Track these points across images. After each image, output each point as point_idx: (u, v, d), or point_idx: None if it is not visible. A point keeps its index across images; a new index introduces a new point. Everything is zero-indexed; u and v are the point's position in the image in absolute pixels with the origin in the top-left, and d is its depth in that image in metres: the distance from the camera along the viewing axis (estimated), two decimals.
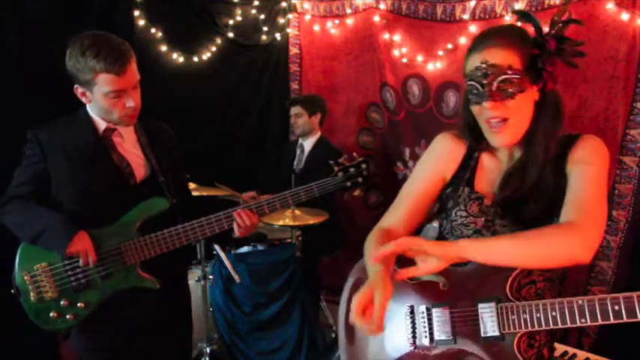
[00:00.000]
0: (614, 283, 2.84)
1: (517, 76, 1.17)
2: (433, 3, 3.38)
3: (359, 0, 3.75)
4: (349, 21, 3.84)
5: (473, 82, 1.20)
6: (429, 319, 1.27)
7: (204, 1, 3.69)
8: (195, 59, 3.66)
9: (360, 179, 1.84)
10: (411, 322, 1.30)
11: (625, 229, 2.79)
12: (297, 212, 3.03)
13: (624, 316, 0.99)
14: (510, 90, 1.17)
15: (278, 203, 1.76)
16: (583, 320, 1.04)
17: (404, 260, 1.22)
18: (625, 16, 2.67)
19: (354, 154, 1.90)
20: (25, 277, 1.66)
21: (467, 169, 1.35)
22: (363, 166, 1.84)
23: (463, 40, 3.26)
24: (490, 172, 1.33)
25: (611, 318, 1.01)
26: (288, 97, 4.07)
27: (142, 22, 3.32)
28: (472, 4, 3.19)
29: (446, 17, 3.35)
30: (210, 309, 3.01)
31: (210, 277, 3.00)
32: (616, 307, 1.00)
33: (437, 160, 1.39)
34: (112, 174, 1.69)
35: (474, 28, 3.21)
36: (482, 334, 1.18)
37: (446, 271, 1.23)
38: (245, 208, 1.73)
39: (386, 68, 3.68)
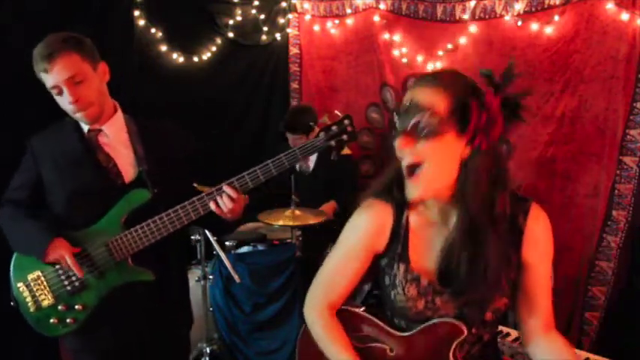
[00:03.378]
0: (614, 283, 2.84)
1: (436, 119, 1.07)
2: (433, 3, 3.38)
3: (359, 0, 3.75)
4: (349, 21, 3.84)
5: (395, 120, 1.13)
6: None
7: (204, 1, 3.69)
8: (195, 59, 3.66)
9: (344, 136, 1.69)
10: None
11: (625, 229, 2.79)
12: (297, 212, 3.03)
13: None
14: (425, 131, 1.08)
15: (260, 172, 1.66)
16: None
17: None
18: (625, 16, 2.67)
19: (336, 111, 1.77)
20: (21, 288, 1.67)
21: (398, 241, 1.24)
22: (346, 122, 1.68)
23: (463, 40, 3.26)
24: (425, 239, 1.23)
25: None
26: (289, 98, 4.07)
27: (142, 22, 3.32)
28: (472, 4, 3.19)
29: (446, 17, 3.35)
30: (210, 309, 3.01)
31: (210, 277, 3.00)
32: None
33: (364, 240, 1.27)
34: (97, 175, 1.67)
35: (473, 28, 3.21)
36: None
37: (391, 336, 1.26)
38: (227, 183, 1.65)
39: (386, 68, 3.68)
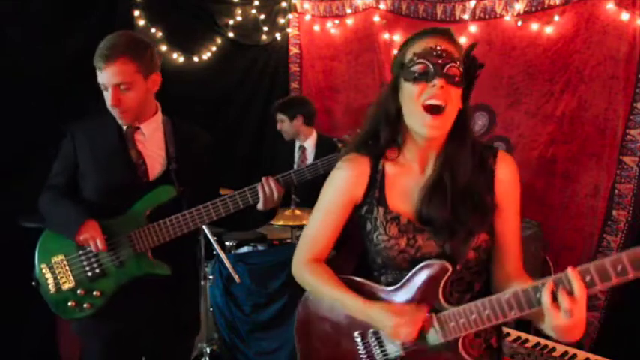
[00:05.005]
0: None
1: (461, 70, 1.21)
2: (433, 3, 3.38)
3: (359, 0, 3.75)
4: (349, 21, 3.84)
5: (424, 61, 1.20)
6: (380, 342, 1.31)
7: (204, 1, 3.69)
8: (195, 59, 3.66)
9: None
10: (364, 347, 1.32)
11: (625, 229, 2.79)
12: (297, 212, 3.03)
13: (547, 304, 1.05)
14: (457, 79, 1.20)
15: (281, 180, 1.74)
16: (513, 312, 1.12)
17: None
18: (625, 16, 2.67)
19: (359, 129, 1.85)
20: (44, 269, 1.73)
21: (376, 187, 1.32)
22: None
23: (463, 40, 3.26)
24: (401, 186, 1.31)
25: (535, 305, 1.08)
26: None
27: (142, 22, 3.32)
28: (472, 4, 3.19)
29: (446, 17, 3.35)
30: (211, 309, 3.01)
31: (210, 277, 3.00)
32: (537, 295, 1.07)
33: (343, 190, 1.35)
34: (125, 169, 1.74)
35: (474, 28, 3.21)
36: (430, 344, 1.23)
37: (383, 292, 1.30)
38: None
39: (386, 68, 3.68)
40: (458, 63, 1.20)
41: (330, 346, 1.38)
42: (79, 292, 1.71)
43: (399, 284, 1.27)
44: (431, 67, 1.19)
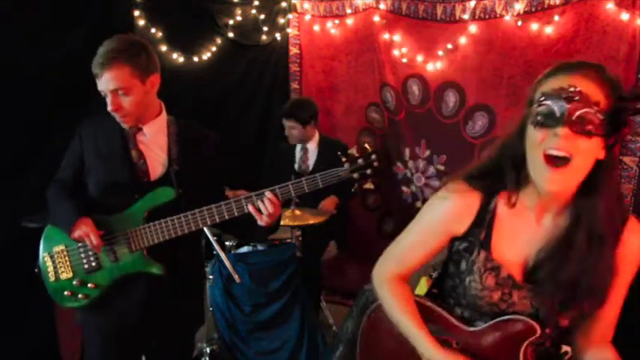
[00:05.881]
0: None
1: (601, 117, 1.01)
2: (433, 3, 3.38)
3: (359, 0, 3.75)
4: (349, 21, 3.84)
5: (549, 103, 1.03)
6: None
7: (204, 1, 3.68)
8: (195, 59, 3.66)
9: (368, 171, 1.70)
10: None
11: None
12: (297, 212, 3.03)
13: None
14: (589, 127, 1.00)
15: (279, 192, 1.72)
16: None
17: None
18: (625, 16, 2.67)
19: (366, 145, 1.77)
20: (45, 258, 1.80)
21: (482, 226, 1.20)
22: (373, 157, 1.70)
23: (463, 40, 3.26)
24: (511, 233, 1.18)
25: None
26: (289, 98, 4.07)
27: (142, 22, 3.32)
28: (472, 4, 3.19)
29: (446, 17, 3.35)
30: (210, 309, 3.01)
31: (210, 277, 3.00)
32: None
33: (444, 222, 1.25)
34: (126, 169, 1.77)
35: (474, 28, 3.21)
36: None
37: (458, 329, 1.23)
38: (270, 190, 1.71)
39: (386, 68, 3.68)
40: (595, 109, 1.01)
41: (392, 356, 1.32)
42: (74, 282, 1.77)
43: (481, 328, 1.20)
44: (556, 111, 1.02)
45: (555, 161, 1.03)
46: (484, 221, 1.20)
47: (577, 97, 1.01)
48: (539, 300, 1.15)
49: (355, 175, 1.71)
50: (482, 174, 1.22)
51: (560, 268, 1.10)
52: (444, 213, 1.25)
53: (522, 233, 1.18)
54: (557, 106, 1.02)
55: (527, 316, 1.15)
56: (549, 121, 1.03)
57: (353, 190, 1.74)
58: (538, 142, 1.05)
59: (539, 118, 1.04)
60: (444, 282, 1.33)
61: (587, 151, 1.03)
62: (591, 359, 1.19)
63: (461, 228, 1.23)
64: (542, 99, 1.05)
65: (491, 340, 1.17)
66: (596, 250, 1.09)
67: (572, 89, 1.01)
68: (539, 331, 1.13)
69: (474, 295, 1.19)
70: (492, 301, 1.17)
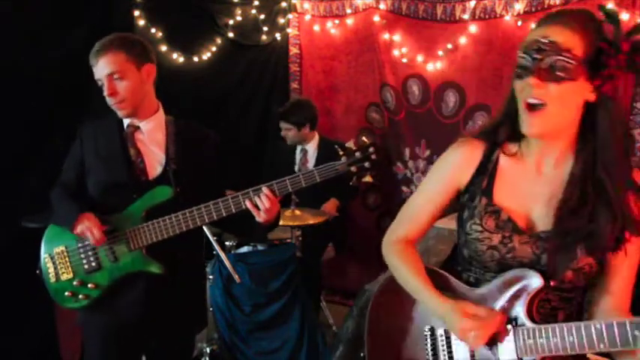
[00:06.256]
0: None
1: (572, 62, 1.04)
2: (433, 3, 3.38)
3: (359, 0, 3.75)
4: (349, 21, 3.84)
5: (525, 55, 1.08)
6: (448, 343, 1.24)
7: (204, 1, 3.68)
8: (195, 59, 3.66)
9: (366, 164, 1.68)
10: (431, 345, 1.26)
11: None
12: (297, 212, 3.03)
13: None
14: (559, 74, 1.04)
15: (276, 187, 1.70)
16: (602, 346, 1.00)
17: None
18: (625, 16, 2.67)
19: (363, 137, 1.74)
20: (46, 259, 1.82)
21: (484, 175, 1.24)
22: (371, 149, 1.68)
23: (463, 40, 3.26)
24: (512, 182, 1.21)
25: (632, 344, 0.96)
26: (289, 98, 4.07)
27: (142, 22, 3.32)
28: (472, 4, 3.20)
29: (446, 17, 3.35)
30: (210, 309, 3.01)
31: (210, 277, 3.00)
32: (636, 332, 0.95)
33: (450, 172, 1.29)
34: (124, 168, 1.77)
35: (473, 28, 3.21)
36: (501, 359, 1.14)
37: (467, 293, 1.23)
38: (267, 186, 1.69)
39: (386, 68, 3.68)
40: (567, 55, 1.04)
41: (400, 333, 1.32)
42: (75, 283, 1.78)
43: (484, 287, 1.20)
44: (529, 62, 1.07)
45: (533, 106, 1.08)
46: (486, 170, 1.24)
47: (546, 47, 1.05)
48: (540, 246, 1.15)
49: (353, 169, 1.69)
50: (487, 127, 1.27)
51: (564, 214, 1.11)
52: (449, 165, 1.30)
53: (523, 182, 1.20)
54: (529, 58, 1.07)
55: (529, 263, 1.15)
56: (523, 72, 1.09)
57: (351, 183, 1.71)
58: (518, 93, 1.11)
59: (517, 70, 1.11)
60: (454, 252, 1.36)
61: (563, 96, 1.06)
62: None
63: (464, 178, 1.27)
64: (520, 53, 1.10)
65: (494, 297, 1.17)
66: (601, 193, 1.09)
67: (543, 40, 1.06)
68: (542, 282, 1.11)
69: (475, 238, 1.21)
70: (492, 244, 1.19)
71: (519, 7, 3.03)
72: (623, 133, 1.11)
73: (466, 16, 3.23)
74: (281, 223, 2.89)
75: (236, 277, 2.71)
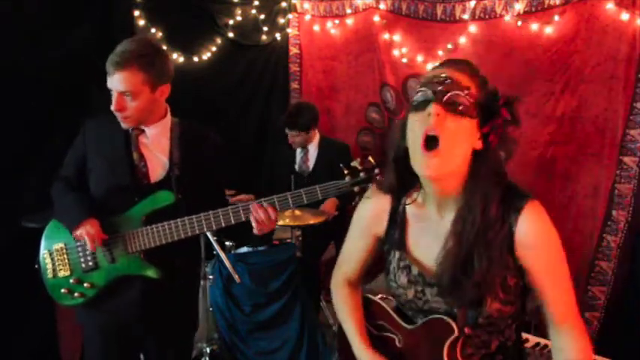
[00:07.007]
0: (614, 283, 2.84)
1: (471, 100, 1.07)
2: (433, 3, 3.38)
3: (359, 0, 3.75)
4: (349, 21, 3.84)
5: (424, 89, 1.09)
6: None
7: (204, 1, 3.69)
8: (195, 59, 3.66)
9: (370, 185, 1.65)
10: None
11: (625, 229, 2.79)
12: (297, 212, 3.03)
13: None
14: (460, 108, 1.06)
15: (277, 203, 1.70)
16: None
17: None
18: (625, 16, 2.67)
19: (370, 158, 1.72)
20: (45, 255, 1.82)
21: (395, 227, 1.26)
22: (376, 171, 1.66)
23: (463, 40, 3.26)
24: (420, 231, 1.23)
25: None
26: (289, 98, 4.07)
27: (142, 22, 3.32)
28: (472, 4, 3.19)
29: (446, 17, 3.35)
30: (210, 309, 3.01)
31: (210, 277, 3.00)
32: None
33: (365, 226, 1.34)
34: (126, 170, 1.76)
35: (473, 28, 3.21)
36: None
37: (399, 327, 1.28)
38: (266, 200, 1.69)
39: (386, 68, 3.68)
40: (465, 92, 1.07)
41: None
42: (71, 281, 1.78)
43: (414, 327, 1.25)
44: (429, 94, 1.08)
45: (429, 144, 1.06)
46: (396, 222, 1.27)
47: (448, 81, 1.08)
48: (445, 299, 1.17)
49: (356, 189, 1.67)
50: (388, 179, 1.25)
51: (450, 264, 1.13)
52: (363, 215, 1.35)
53: (429, 230, 1.21)
54: (429, 90, 1.09)
55: (444, 312, 1.18)
56: (423, 103, 1.09)
57: (353, 203, 1.69)
58: (416, 127, 1.09)
59: (415, 104, 1.11)
60: None
61: (458, 132, 1.07)
62: (553, 343, 1.22)
63: (380, 229, 1.31)
64: (418, 89, 1.12)
65: (422, 339, 1.22)
66: (481, 239, 1.10)
67: (443, 75, 1.10)
68: (455, 330, 1.14)
69: (394, 293, 1.27)
70: (409, 299, 1.23)
71: (519, 7, 3.03)
72: (499, 183, 1.13)
73: (466, 16, 3.23)
74: (281, 223, 2.91)
75: (236, 277, 2.71)
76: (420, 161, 1.09)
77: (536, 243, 1.13)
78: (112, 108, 1.69)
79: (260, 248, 3.13)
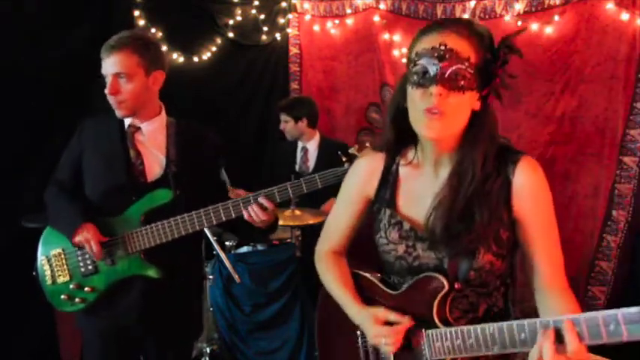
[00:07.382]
0: (614, 283, 2.84)
1: (471, 71, 1.06)
2: (433, 3, 3.38)
3: (359, 0, 3.75)
4: (349, 21, 3.84)
5: (423, 63, 1.07)
6: (376, 347, 1.27)
7: (204, 1, 3.69)
8: (195, 59, 3.66)
9: None
10: (363, 348, 1.31)
11: (625, 229, 2.79)
12: (297, 212, 3.03)
13: (529, 344, 0.97)
14: (462, 83, 1.06)
15: (277, 193, 1.69)
16: (495, 348, 1.02)
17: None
18: (625, 16, 2.67)
19: (367, 144, 1.73)
20: (43, 261, 1.80)
21: (386, 186, 1.27)
22: None
23: None
24: (413, 190, 1.24)
25: (518, 346, 0.99)
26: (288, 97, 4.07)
27: (142, 22, 3.32)
28: (472, 4, 3.20)
29: (446, 17, 3.35)
30: (211, 309, 3.01)
31: (210, 277, 3.00)
32: (522, 336, 0.98)
33: (356, 185, 1.34)
34: (123, 169, 1.75)
35: None
36: None
37: (387, 295, 1.27)
38: (264, 193, 1.69)
39: (386, 68, 3.68)
40: (467, 64, 1.06)
41: (344, 335, 1.37)
42: (71, 286, 1.75)
43: (401, 291, 1.24)
44: (430, 70, 1.07)
45: (433, 112, 1.08)
46: (388, 182, 1.28)
47: (448, 55, 1.05)
48: (437, 251, 1.18)
49: None
50: (381, 141, 1.29)
51: (444, 217, 1.14)
52: (354, 177, 1.35)
53: (423, 188, 1.22)
54: (430, 66, 1.07)
55: (434, 268, 1.18)
56: (424, 80, 1.08)
57: None
58: (416, 101, 1.10)
59: (415, 77, 1.09)
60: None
61: (461, 106, 1.08)
62: (542, 307, 1.18)
63: (371, 189, 1.31)
64: (416, 59, 1.09)
65: (411, 302, 1.21)
66: (480, 190, 1.12)
67: (442, 47, 1.06)
68: (446, 284, 1.14)
69: (382, 250, 1.26)
70: (398, 255, 1.23)
71: (519, 7, 3.03)
72: (495, 141, 1.15)
73: (466, 16, 3.23)
74: (281, 223, 2.90)
75: (236, 277, 2.71)
76: (422, 123, 1.10)
77: (532, 193, 1.15)
78: (106, 91, 1.68)
79: (260, 248, 3.14)
